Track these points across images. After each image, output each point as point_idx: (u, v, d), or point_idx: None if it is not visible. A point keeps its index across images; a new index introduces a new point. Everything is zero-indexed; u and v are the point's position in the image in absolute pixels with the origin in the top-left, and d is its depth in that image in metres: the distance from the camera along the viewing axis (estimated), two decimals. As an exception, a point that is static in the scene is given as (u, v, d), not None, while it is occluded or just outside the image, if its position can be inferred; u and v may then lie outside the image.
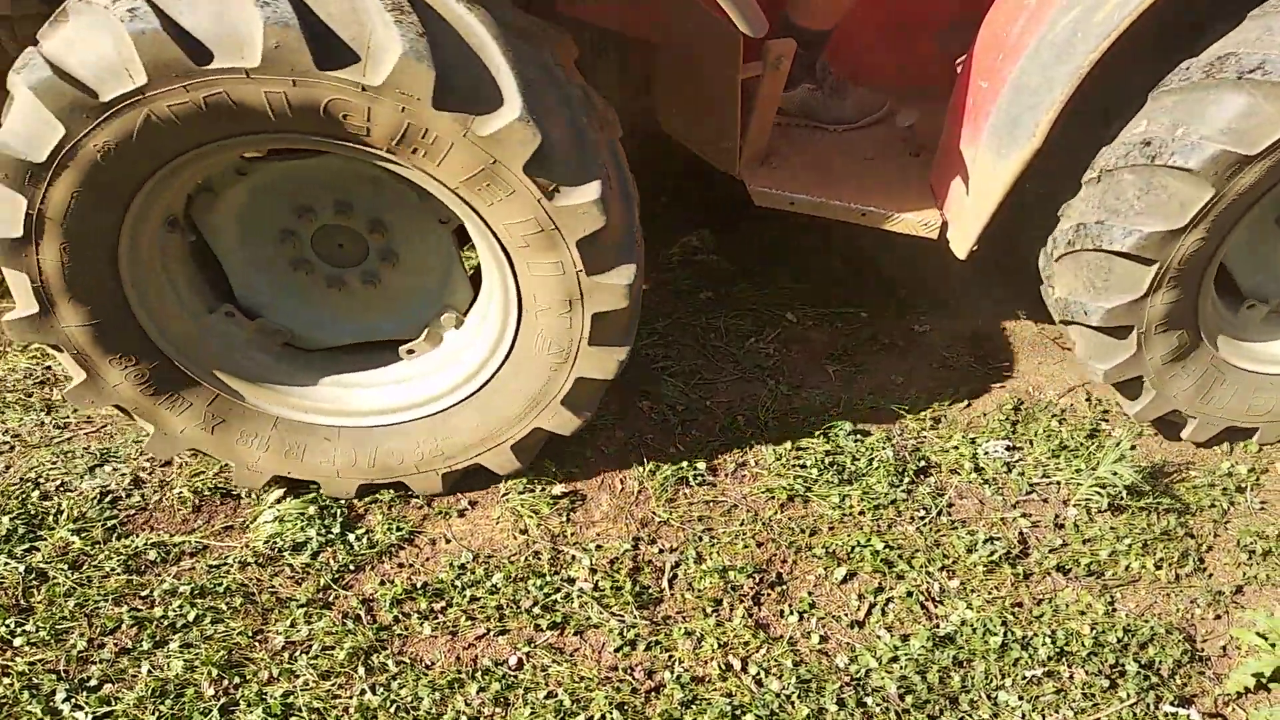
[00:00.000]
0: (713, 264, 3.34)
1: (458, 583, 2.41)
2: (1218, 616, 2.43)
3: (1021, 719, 2.18)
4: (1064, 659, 2.29)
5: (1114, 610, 2.41)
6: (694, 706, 2.17)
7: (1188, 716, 2.19)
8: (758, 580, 2.46)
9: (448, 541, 2.54)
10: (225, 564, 2.43)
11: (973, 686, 2.23)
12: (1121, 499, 2.62)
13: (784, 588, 2.45)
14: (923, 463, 2.77)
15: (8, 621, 2.26)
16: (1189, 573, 2.51)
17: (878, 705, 2.18)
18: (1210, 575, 2.52)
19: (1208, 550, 2.58)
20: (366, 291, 2.49)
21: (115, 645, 2.24)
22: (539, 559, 2.48)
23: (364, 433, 2.50)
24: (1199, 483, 2.74)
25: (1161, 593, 2.47)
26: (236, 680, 2.18)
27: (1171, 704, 2.21)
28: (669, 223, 3.55)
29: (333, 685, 2.18)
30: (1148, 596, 2.46)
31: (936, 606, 2.41)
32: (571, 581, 2.43)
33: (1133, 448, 2.83)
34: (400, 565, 2.47)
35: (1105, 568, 2.51)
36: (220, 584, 2.37)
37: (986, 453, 2.80)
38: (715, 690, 2.21)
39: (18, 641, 2.23)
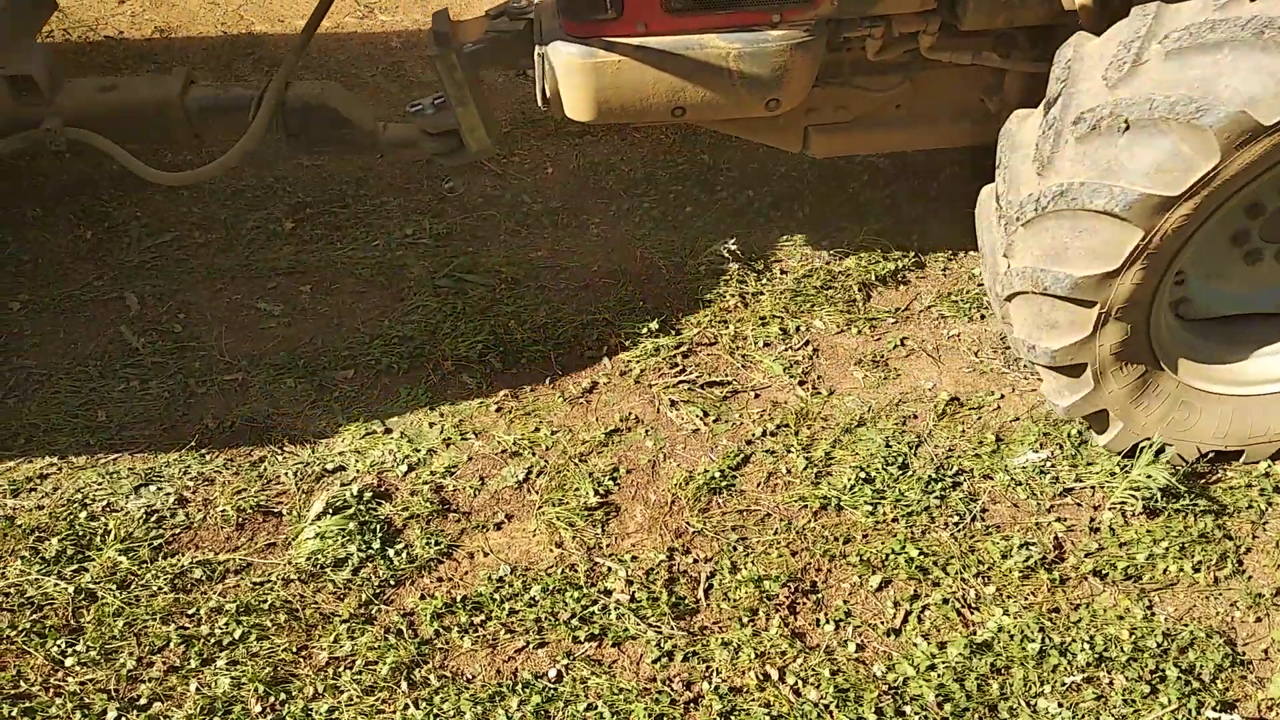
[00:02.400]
0: (739, 272, 3.36)
1: (496, 596, 2.44)
2: (1259, 619, 2.41)
3: (1061, 726, 2.18)
4: (1103, 665, 2.29)
5: (1153, 614, 2.41)
6: (733, 717, 2.19)
7: (1230, 721, 2.19)
8: (793, 589, 2.47)
9: (485, 555, 2.57)
10: (269, 581, 2.47)
11: (1012, 694, 2.23)
12: (1157, 501, 2.61)
13: (819, 596, 2.47)
14: (955, 468, 2.77)
15: (59, 642, 2.32)
16: (1228, 575, 2.50)
17: (916, 714, 2.19)
18: (1250, 577, 2.50)
19: (1246, 552, 2.56)
20: None
21: (164, 663, 2.29)
22: (575, 571, 2.51)
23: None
24: (1235, 483, 2.72)
25: (1200, 596, 2.46)
26: (282, 696, 2.22)
27: (1214, 709, 2.20)
28: (694, 232, 3.57)
29: (376, 700, 2.22)
30: (1186, 600, 2.45)
31: (973, 613, 2.41)
32: (608, 593, 2.46)
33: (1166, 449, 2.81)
34: (439, 579, 2.51)
35: (1142, 571, 2.50)
36: (264, 601, 2.42)
37: (1019, 457, 2.80)
38: (754, 700, 2.23)
39: (69, 661, 2.28)
